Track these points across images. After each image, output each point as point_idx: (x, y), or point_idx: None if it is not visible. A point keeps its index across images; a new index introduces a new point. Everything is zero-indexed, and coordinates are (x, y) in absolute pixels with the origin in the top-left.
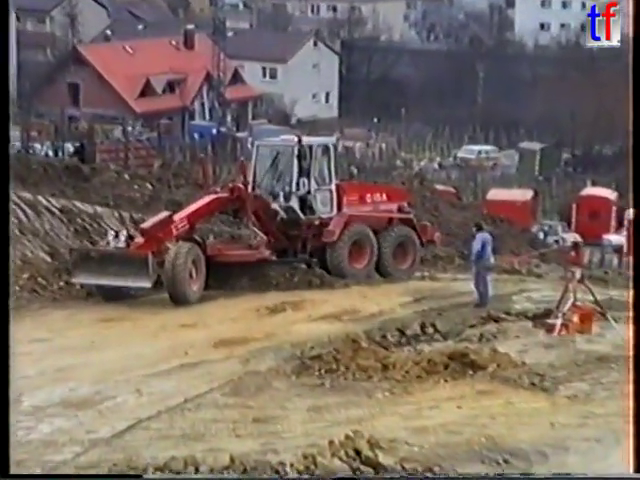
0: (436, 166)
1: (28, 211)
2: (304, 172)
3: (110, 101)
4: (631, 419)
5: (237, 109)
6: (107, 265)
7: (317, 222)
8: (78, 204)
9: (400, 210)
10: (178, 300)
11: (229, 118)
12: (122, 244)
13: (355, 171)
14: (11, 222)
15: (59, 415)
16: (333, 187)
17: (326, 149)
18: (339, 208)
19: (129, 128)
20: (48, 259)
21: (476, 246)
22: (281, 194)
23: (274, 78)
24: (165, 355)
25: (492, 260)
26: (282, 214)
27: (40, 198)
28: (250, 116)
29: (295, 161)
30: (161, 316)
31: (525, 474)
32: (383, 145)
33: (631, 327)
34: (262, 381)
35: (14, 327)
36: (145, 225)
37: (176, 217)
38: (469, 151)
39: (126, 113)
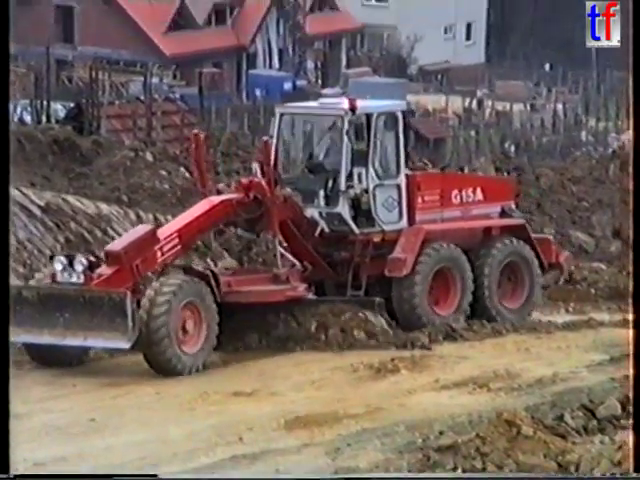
0: None
1: None
2: (359, 158)
3: (123, 36)
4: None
5: (323, 51)
6: (52, 312)
7: (377, 238)
8: (72, 200)
9: (504, 214)
10: (159, 368)
11: (310, 65)
12: (78, 277)
13: (512, 149)
14: None
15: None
16: (402, 180)
17: (393, 120)
18: (411, 214)
19: (154, 80)
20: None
21: None
22: (321, 194)
23: (383, 0)
24: (207, 441)
25: None
26: (323, 226)
27: (12, 190)
28: (344, 62)
29: (345, 141)
30: (200, 378)
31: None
32: (559, 107)
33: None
34: None
35: None
36: (113, 247)
37: (161, 233)
38: None
39: (149, 55)
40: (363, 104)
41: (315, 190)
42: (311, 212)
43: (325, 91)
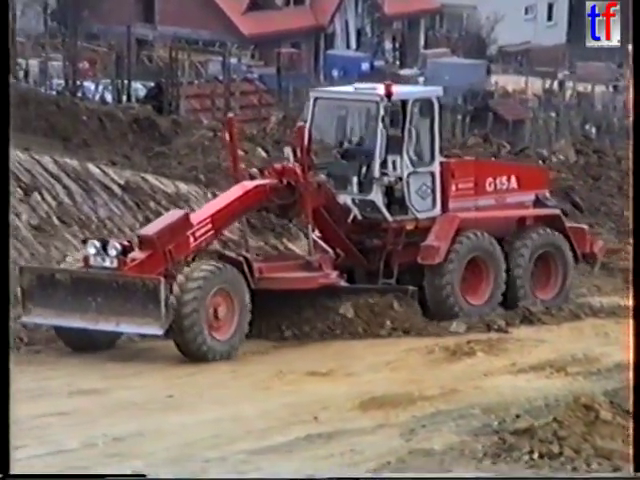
0: None
1: (72, 187)
2: (393, 145)
3: (202, 16)
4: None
5: (401, 31)
6: (85, 296)
7: (410, 226)
8: (151, 179)
9: (539, 203)
10: (190, 354)
11: (388, 45)
12: (111, 262)
13: (593, 131)
14: (43, 206)
15: None
16: (436, 168)
17: (428, 107)
18: (445, 203)
19: (232, 60)
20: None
21: None
22: (354, 181)
23: None
24: (282, 420)
25: None
26: (356, 213)
27: (92, 168)
28: (422, 42)
29: (380, 127)
30: (275, 357)
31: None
32: None
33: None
34: (436, 465)
35: (44, 374)
36: (147, 231)
37: (194, 218)
38: None
39: (227, 35)
40: (399, 90)
41: (348, 177)
42: (344, 199)
43: (403, 72)
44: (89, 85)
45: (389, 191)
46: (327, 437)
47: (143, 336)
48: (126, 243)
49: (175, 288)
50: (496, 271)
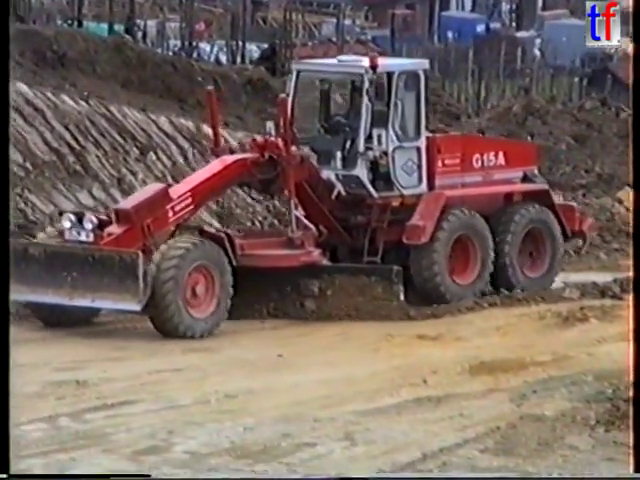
0: None
1: (186, 147)
2: (378, 119)
3: None
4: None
5: None
6: (60, 271)
7: (396, 202)
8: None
9: (526, 180)
10: (167, 333)
11: (505, 7)
12: (87, 235)
13: None
14: (158, 165)
15: (227, 468)
16: (422, 143)
17: (415, 80)
18: (431, 179)
19: (346, 21)
20: (216, 224)
21: None
22: (338, 155)
23: None
24: (391, 382)
25: None
26: (340, 189)
27: (206, 128)
28: (540, 3)
29: (365, 100)
30: (384, 321)
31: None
32: None
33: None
34: (548, 433)
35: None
36: (124, 205)
37: (173, 192)
38: None
39: None
40: (384, 62)
41: (332, 151)
42: (327, 174)
43: (520, 34)
44: (204, 46)
45: (374, 166)
46: (436, 400)
47: (120, 312)
48: (103, 217)
49: (155, 257)
50: (483, 249)
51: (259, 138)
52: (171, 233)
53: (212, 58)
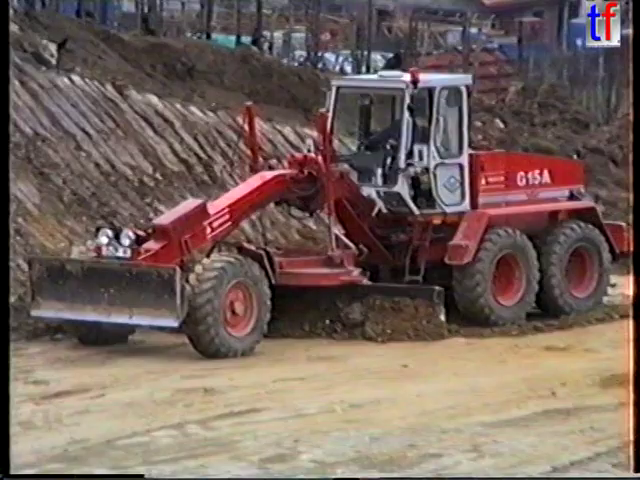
0: None
1: None
2: (420, 135)
3: None
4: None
5: None
6: (97, 287)
7: (438, 220)
8: None
9: (573, 199)
10: (202, 349)
11: None
12: (125, 251)
13: None
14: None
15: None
16: (465, 160)
17: (457, 95)
18: (474, 197)
19: (472, 30)
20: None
21: None
22: (379, 172)
23: None
24: (518, 394)
25: None
26: (380, 206)
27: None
28: None
29: (406, 116)
30: (510, 331)
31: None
32: None
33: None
34: None
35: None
36: (162, 220)
37: (212, 208)
38: None
39: (468, 5)
40: (425, 77)
41: (372, 168)
42: (368, 191)
43: None
44: (330, 56)
45: (415, 183)
46: (565, 413)
47: (157, 329)
48: (140, 232)
49: (191, 278)
50: (528, 270)
51: (298, 154)
52: (210, 249)
53: (337, 68)
